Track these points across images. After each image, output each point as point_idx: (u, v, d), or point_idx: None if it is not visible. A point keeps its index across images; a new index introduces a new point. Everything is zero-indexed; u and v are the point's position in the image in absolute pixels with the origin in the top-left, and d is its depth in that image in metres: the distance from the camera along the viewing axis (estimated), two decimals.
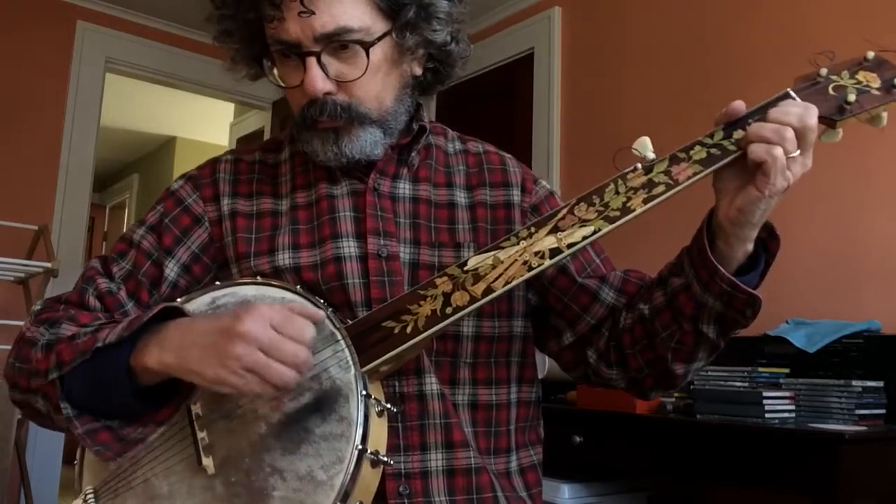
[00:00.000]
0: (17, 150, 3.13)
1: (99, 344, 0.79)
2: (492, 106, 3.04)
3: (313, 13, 0.86)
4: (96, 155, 3.35)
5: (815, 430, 1.50)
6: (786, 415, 1.65)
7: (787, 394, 1.67)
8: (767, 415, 1.61)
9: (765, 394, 1.63)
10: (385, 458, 0.79)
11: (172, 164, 6.02)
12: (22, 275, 2.81)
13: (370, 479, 0.79)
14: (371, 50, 0.89)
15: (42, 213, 3.10)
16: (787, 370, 1.73)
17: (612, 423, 1.84)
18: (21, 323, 0.93)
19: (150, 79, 3.66)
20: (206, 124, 5.63)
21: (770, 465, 1.51)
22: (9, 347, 0.91)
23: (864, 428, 1.55)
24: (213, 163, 1.03)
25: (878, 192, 1.92)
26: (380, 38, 0.90)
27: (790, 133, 0.78)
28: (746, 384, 1.68)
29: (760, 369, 1.69)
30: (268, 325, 0.76)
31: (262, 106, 3.93)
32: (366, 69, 0.89)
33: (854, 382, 1.62)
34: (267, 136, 3.87)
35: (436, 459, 0.90)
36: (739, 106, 0.83)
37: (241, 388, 0.76)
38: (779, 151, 0.77)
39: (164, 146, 6.30)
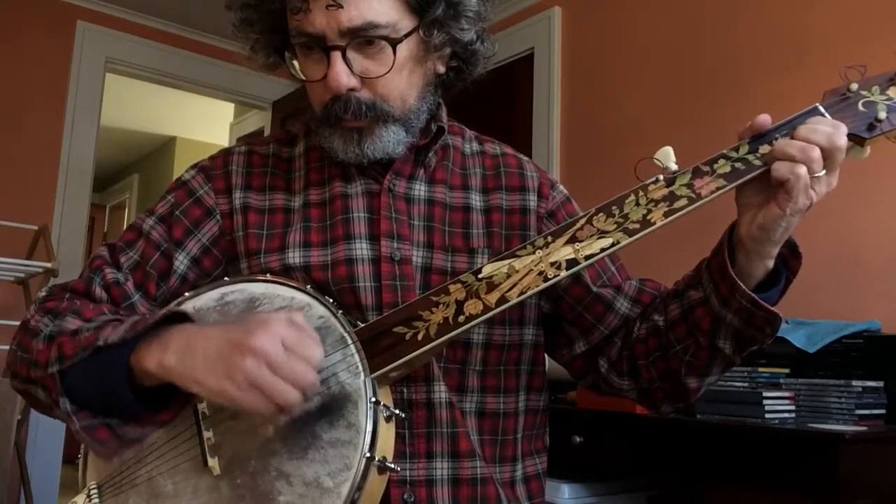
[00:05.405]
0: (17, 150, 3.12)
1: (100, 342, 0.78)
2: (492, 106, 3.04)
3: (341, 7, 0.84)
4: (96, 155, 3.34)
5: (815, 430, 1.50)
6: (786, 415, 1.65)
7: (787, 394, 1.67)
8: (767, 415, 1.61)
9: (765, 394, 1.63)
10: (392, 465, 0.78)
11: (172, 164, 6.02)
12: (22, 275, 2.81)
13: (377, 486, 0.78)
14: (397, 47, 0.87)
15: (42, 213, 3.10)
16: (787, 370, 1.72)
17: (612, 423, 1.84)
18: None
19: (150, 79, 3.65)
20: (206, 124, 5.62)
21: (770, 465, 1.51)
22: (8, 348, 0.91)
23: (864, 428, 1.55)
24: (226, 154, 1.01)
25: (878, 192, 1.92)
26: (407, 35, 0.88)
27: (816, 152, 0.76)
28: (746, 384, 1.67)
29: (760, 369, 1.69)
30: (279, 343, 0.73)
31: (262, 106, 3.92)
32: (391, 66, 0.87)
33: (854, 382, 1.62)
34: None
35: (441, 468, 0.89)
36: (765, 119, 0.81)
37: (243, 403, 0.74)
38: (803, 170, 0.76)
39: (164, 146, 6.29)
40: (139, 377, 0.79)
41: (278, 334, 0.74)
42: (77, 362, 0.79)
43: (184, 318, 0.82)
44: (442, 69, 0.97)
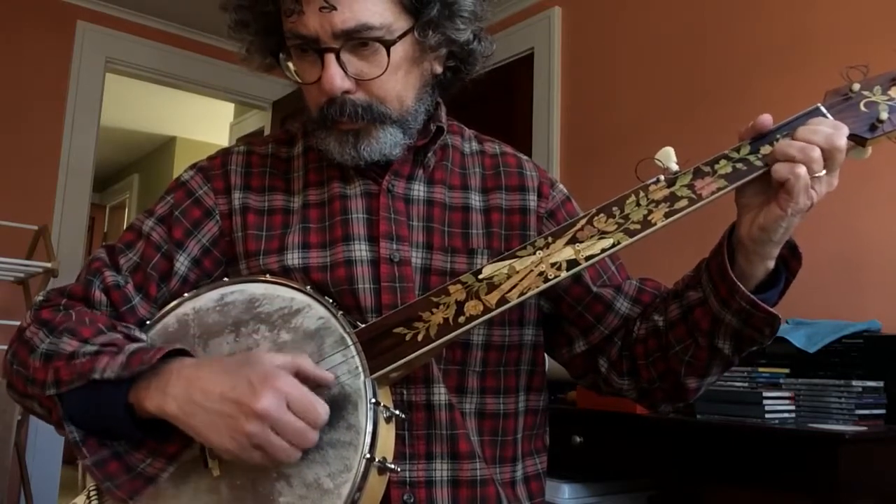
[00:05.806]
0: (17, 150, 3.12)
1: (96, 376, 0.78)
2: (492, 106, 3.03)
3: (334, 9, 0.84)
4: (96, 155, 3.34)
5: (815, 430, 1.50)
6: (786, 415, 1.65)
7: (787, 394, 1.67)
8: (767, 415, 1.61)
9: (765, 394, 1.63)
10: (392, 466, 0.78)
11: (172, 164, 6.02)
12: (22, 275, 2.81)
13: (377, 486, 0.78)
14: (392, 48, 0.87)
15: (42, 213, 3.10)
16: (787, 370, 1.73)
17: (612, 423, 1.84)
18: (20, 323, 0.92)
19: (150, 79, 3.65)
20: (206, 124, 5.62)
21: (770, 465, 1.51)
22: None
23: (864, 428, 1.55)
24: (225, 154, 1.01)
25: (878, 192, 1.92)
26: (401, 37, 0.87)
27: (817, 153, 0.76)
28: (746, 384, 1.67)
29: (760, 369, 1.69)
30: (284, 404, 0.74)
31: (262, 106, 3.92)
32: (386, 68, 0.87)
33: (854, 382, 1.62)
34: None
35: (441, 469, 0.89)
36: (767, 120, 0.81)
37: (245, 459, 0.75)
38: (803, 170, 0.76)
39: (164, 146, 6.29)
40: (139, 412, 0.79)
41: (282, 392, 0.74)
42: (74, 389, 0.79)
43: (180, 351, 0.82)
44: (439, 69, 0.96)
